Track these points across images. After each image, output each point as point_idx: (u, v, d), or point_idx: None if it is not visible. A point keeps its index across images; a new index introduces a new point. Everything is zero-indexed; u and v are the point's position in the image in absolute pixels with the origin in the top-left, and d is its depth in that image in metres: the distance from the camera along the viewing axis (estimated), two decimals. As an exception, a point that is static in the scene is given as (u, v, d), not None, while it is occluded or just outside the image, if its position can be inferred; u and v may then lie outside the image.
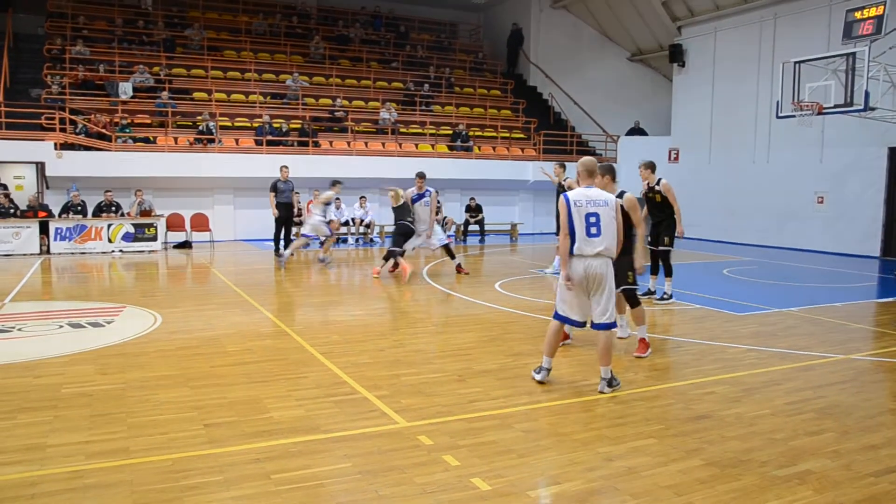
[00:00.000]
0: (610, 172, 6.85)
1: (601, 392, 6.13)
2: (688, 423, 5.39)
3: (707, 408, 5.80)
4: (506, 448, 4.82)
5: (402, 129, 22.40)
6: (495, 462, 4.57)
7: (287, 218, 16.55)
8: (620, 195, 7.24)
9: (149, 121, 19.67)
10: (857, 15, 14.44)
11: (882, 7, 14.01)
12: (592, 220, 6.01)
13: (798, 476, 4.43)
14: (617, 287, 6.73)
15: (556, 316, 6.29)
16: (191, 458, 4.56)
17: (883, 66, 14.52)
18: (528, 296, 11.30)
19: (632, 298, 7.61)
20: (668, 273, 10.74)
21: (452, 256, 13.89)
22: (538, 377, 6.40)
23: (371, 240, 20.21)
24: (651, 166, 10.36)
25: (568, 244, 6.05)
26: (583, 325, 6.30)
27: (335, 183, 15.01)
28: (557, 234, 7.67)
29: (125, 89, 19.70)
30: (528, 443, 4.93)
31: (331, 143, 21.04)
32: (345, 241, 19.91)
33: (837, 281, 13.54)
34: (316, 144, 20.49)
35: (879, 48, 14.47)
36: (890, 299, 11.52)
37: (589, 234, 6.00)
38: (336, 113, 21.88)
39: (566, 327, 6.89)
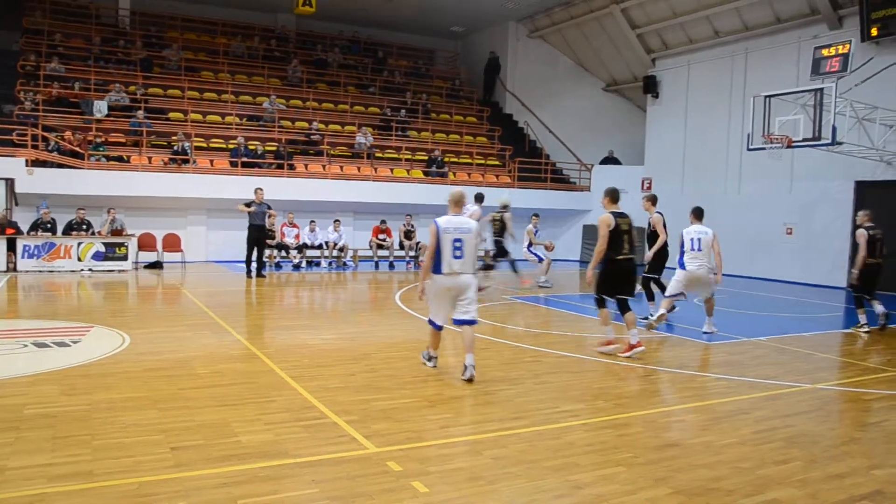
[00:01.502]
0: (609, 195, 8.84)
1: (470, 378, 7.21)
2: (657, 452, 5.42)
3: (676, 436, 5.83)
4: (475, 475, 4.80)
5: (377, 154, 22.45)
6: (464, 489, 4.55)
7: (258, 239, 16.44)
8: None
9: (123, 140, 19.53)
10: (825, 52, 14.83)
11: (848, 45, 14.43)
12: (458, 244, 7.24)
13: (764, 505, 4.46)
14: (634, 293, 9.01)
15: (431, 322, 7.66)
16: (156, 482, 4.49)
17: (849, 102, 14.86)
18: (501, 322, 11.32)
19: (623, 306, 8.95)
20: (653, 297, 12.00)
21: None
22: (430, 364, 7.90)
23: (344, 263, 20.16)
24: (652, 199, 11.94)
25: (432, 263, 7.33)
26: (441, 328, 7.61)
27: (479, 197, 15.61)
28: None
29: (100, 107, 19.58)
30: (497, 469, 4.92)
31: (306, 166, 21.02)
32: (318, 264, 19.85)
33: (805, 311, 13.72)
34: (291, 167, 20.46)
35: (846, 85, 14.83)
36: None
37: (454, 256, 7.23)
38: (312, 136, 21.90)
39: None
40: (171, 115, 20.86)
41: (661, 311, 10.64)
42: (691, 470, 5.03)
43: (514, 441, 5.55)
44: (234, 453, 5.05)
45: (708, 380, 7.82)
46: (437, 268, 7.28)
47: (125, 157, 18.82)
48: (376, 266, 19.99)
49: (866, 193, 17.60)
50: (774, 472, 5.04)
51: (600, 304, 9.00)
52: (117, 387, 6.73)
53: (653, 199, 12.06)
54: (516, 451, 5.31)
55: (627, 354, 8.67)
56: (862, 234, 11.72)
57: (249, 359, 8.19)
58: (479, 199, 15.03)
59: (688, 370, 8.29)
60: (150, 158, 19.08)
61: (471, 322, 7.35)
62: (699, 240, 10.63)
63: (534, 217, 17.04)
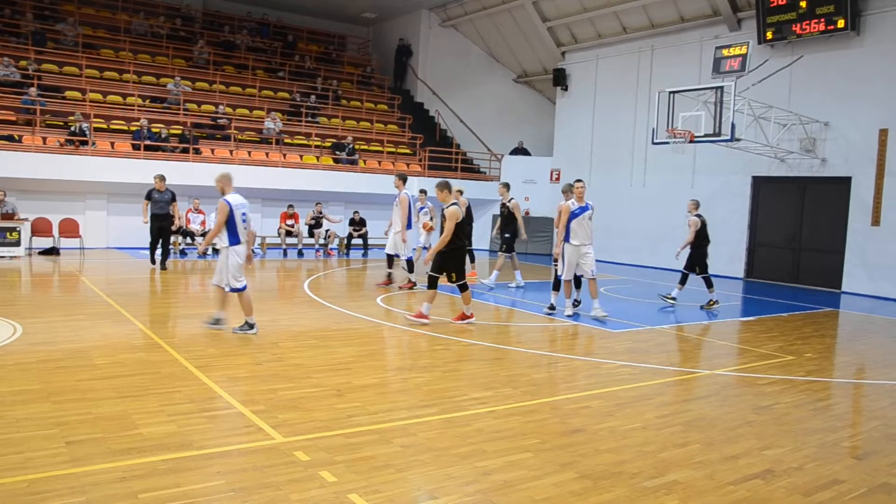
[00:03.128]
0: (447, 187, 10.11)
1: (256, 332, 8.72)
2: (563, 437, 5.52)
3: (582, 422, 5.96)
4: (384, 463, 4.78)
5: (286, 140, 22.04)
6: (373, 477, 4.53)
7: (161, 228, 15.54)
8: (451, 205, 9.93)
9: (13, 118, 18.48)
10: (725, 52, 15.43)
11: (746, 47, 15.06)
12: (244, 217, 8.82)
13: (665, 487, 4.61)
14: (454, 281, 10.12)
15: (234, 290, 8.78)
16: (49, 479, 4.28)
17: (747, 100, 15.50)
18: (410, 311, 11.29)
19: (432, 284, 10.14)
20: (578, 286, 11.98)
21: (410, 270, 14.13)
22: (252, 331, 8.80)
23: (252, 251, 19.68)
24: (569, 189, 11.61)
25: (218, 234, 8.71)
26: (246, 287, 8.84)
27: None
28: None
29: (-13, 82, 18.47)
30: (406, 458, 4.92)
31: (212, 150, 20.43)
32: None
33: (705, 300, 14.25)
34: (197, 152, 19.85)
35: (744, 84, 15.46)
36: (751, 318, 12.23)
37: (244, 227, 8.81)
38: (219, 120, 21.31)
39: None
40: (68, 93, 19.87)
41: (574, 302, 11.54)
42: (596, 454, 5.15)
43: (422, 429, 5.56)
44: (135, 446, 4.87)
45: (613, 367, 8.03)
46: (235, 240, 8.71)
47: (16, 137, 17.83)
48: (284, 254, 19.67)
49: (762, 188, 18.44)
50: (675, 455, 5.22)
51: (433, 284, 10.07)
52: (7, 379, 6.38)
53: (507, 186, 14.75)
54: (425, 439, 5.32)
55: (465, 322, 10.03)
56: (695, 222, 13.25)
57: (152, 348, 7.91)
58: (405, 178, 14.45)
59: (593, 357, 8.49)
60: (44, 139, 18.15)
61: (245, 288, 8.83)
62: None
63: (421, 193, 15.84)
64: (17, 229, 16.31)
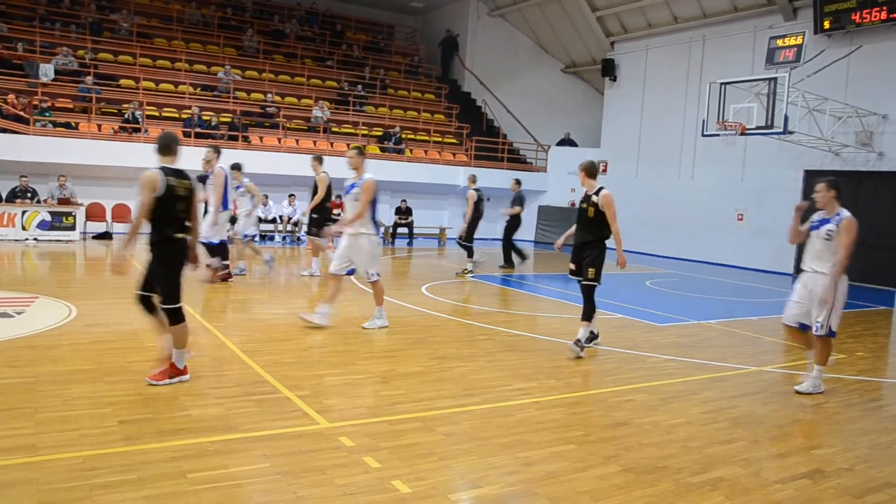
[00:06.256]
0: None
1: None
2: (607, 430, 5.49)
3: (626, 415, 5.92)
4: (427, 451, 4.81)
5: (334, 129, 22.21)
6: (416, 464, 4.56)
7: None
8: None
9: (71, 105, 18.95)
10: (779, 42, 15.08)
11: (801, 37, 14.69)
12: None
13: (710, 483, 4.56)
14: (164, 303, 5.99)
15: None
16: (103, 456, 4.41)
17: (801, 92, 15.14)
18: (453, 300, 11.33)
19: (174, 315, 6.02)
20: (587, 316, 7.98)
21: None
22: None
23: (298, 238, 19.95)
24: (589, 170, 8.17)
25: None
26: None
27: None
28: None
29: (46, 71, 18.93)
30: (449, 446, 4.94)
31: (261, 138, 20.69)
32: (271, 238, 19.61)
33: (753, 296, 14.02)
34: (246, 140, 20.12)
35: (798, 75, 15.10)
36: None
37: None
38: (268, 108, 21.55)
39: None
40: (122, 82, 20.29)
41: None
42: (640, 448, 5.12)
43: (466, 418, 5.58)
44: (184, 427, 4.98)
45: (658, 361, 7.95)
46: None
47: (73, 124, 18.29)
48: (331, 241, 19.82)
49: (814, 182, 17.96)
50: (720, 451, 5.15)
51: (151, 307, 6.13)
52: (63, 359, 6.57)
53: (319, 160, 13.33)
54: (468, 428, 5.34)
55: (175, 380, 5.98)
56: (472, 196, 14.48)
57: (200, 333, 8.05)
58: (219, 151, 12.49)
59: (638, 351, 8.41)
60: (99, 126, 18.57)
61: None
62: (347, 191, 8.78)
63: (234, 170, 13.04)
64: (73, 214, 16.75)
